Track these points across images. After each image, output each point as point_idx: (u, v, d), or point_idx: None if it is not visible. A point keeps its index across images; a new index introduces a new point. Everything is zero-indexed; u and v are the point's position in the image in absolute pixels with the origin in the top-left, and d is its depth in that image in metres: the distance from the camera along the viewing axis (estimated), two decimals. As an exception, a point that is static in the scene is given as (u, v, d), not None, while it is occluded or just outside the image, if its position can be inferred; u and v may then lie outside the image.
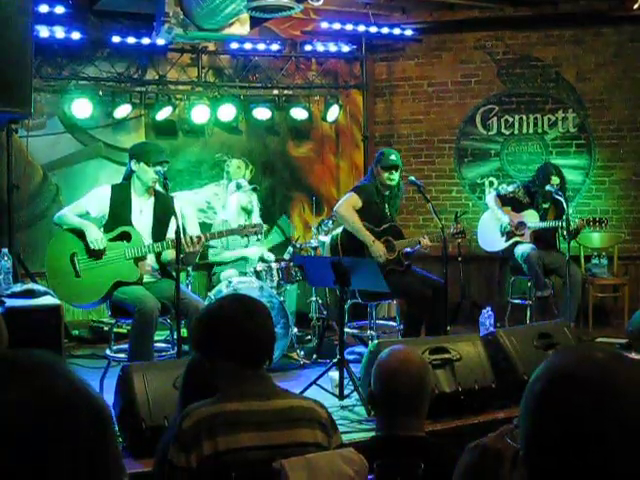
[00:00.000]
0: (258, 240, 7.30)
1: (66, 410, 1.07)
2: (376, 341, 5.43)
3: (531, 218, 7.96)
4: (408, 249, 6.95)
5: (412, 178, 6.97)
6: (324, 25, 9.10)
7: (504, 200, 8.14)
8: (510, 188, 8.21)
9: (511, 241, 7.98)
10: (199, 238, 5.92)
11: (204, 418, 2.59)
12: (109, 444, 1.12)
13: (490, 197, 8.33)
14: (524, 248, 7.84)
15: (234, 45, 8.98)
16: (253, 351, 2.77)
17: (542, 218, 7.96)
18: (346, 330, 6.82)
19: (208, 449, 2.54)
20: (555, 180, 7.88)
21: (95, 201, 6.09)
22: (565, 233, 7.36)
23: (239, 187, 7.74)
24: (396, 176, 6.92)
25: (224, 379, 2.75)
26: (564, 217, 7.41)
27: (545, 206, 8.00)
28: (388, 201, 7.04)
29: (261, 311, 2.87)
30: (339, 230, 7.02)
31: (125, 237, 5.96)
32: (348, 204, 6.85)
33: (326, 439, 2.78)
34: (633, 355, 3.14)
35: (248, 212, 7.59)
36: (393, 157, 6.92)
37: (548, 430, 1.28)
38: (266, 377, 2.81)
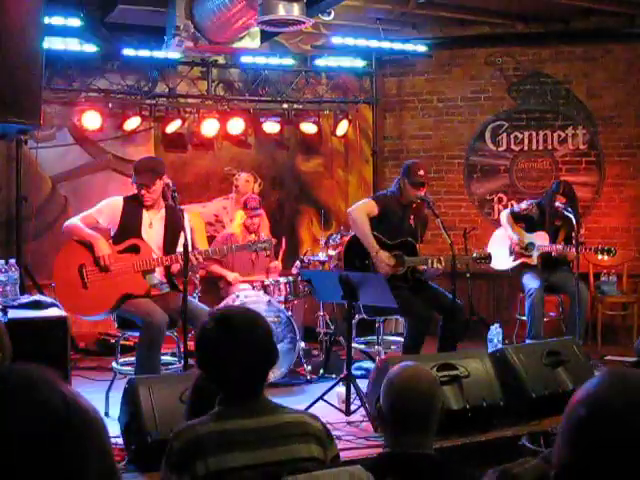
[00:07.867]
0: (267, 256, 7.26)
1: (60, 424, 1.06)
2: (383, 356, 5.41)
3: (541, 240, 7.83)
4: (425, 267, 6.73)
5: (421, 194, 6.88)
6: (334, 40, 9.09)
7: (517, 217, 8.02)
8: (523, 205, 8.09)
9: (518, 261, 7.88)
10: (206, 252, 6.03)
11: (193, 438, 2.56)
12: (105, 454, 1.12)
13: (503, 215, 8.17)
14: (532, 283, 7.63)
15: (244, 59, 9.00)
16: (239, 383, 2.71)
17: (554, 237, 7.84)
18: (353, 345, 6.77)
19: (201, 470, 2.50)
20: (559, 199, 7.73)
21: (106, 212, 6.07)
22: (574, 250, 7.29)
23: (245, 206, 7.62)
24: (422, 192, 6.76)
25: (218, 397, 2.72)
26: (572, 239, 7.36)
27: (558, 224, 7.86)
28: (414, 214, 6.87)
29: (256, 339, 2.73)
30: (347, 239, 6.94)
31: (134, 249, 5.95)
32: (362, 208, 6.69)
33: (322, 452, 2.72)
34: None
35: (251, 232, 7.50)
36: (421, 172, 6.70)
37: (585, 457, 1.26)
38: (258, 394, 2.75)
